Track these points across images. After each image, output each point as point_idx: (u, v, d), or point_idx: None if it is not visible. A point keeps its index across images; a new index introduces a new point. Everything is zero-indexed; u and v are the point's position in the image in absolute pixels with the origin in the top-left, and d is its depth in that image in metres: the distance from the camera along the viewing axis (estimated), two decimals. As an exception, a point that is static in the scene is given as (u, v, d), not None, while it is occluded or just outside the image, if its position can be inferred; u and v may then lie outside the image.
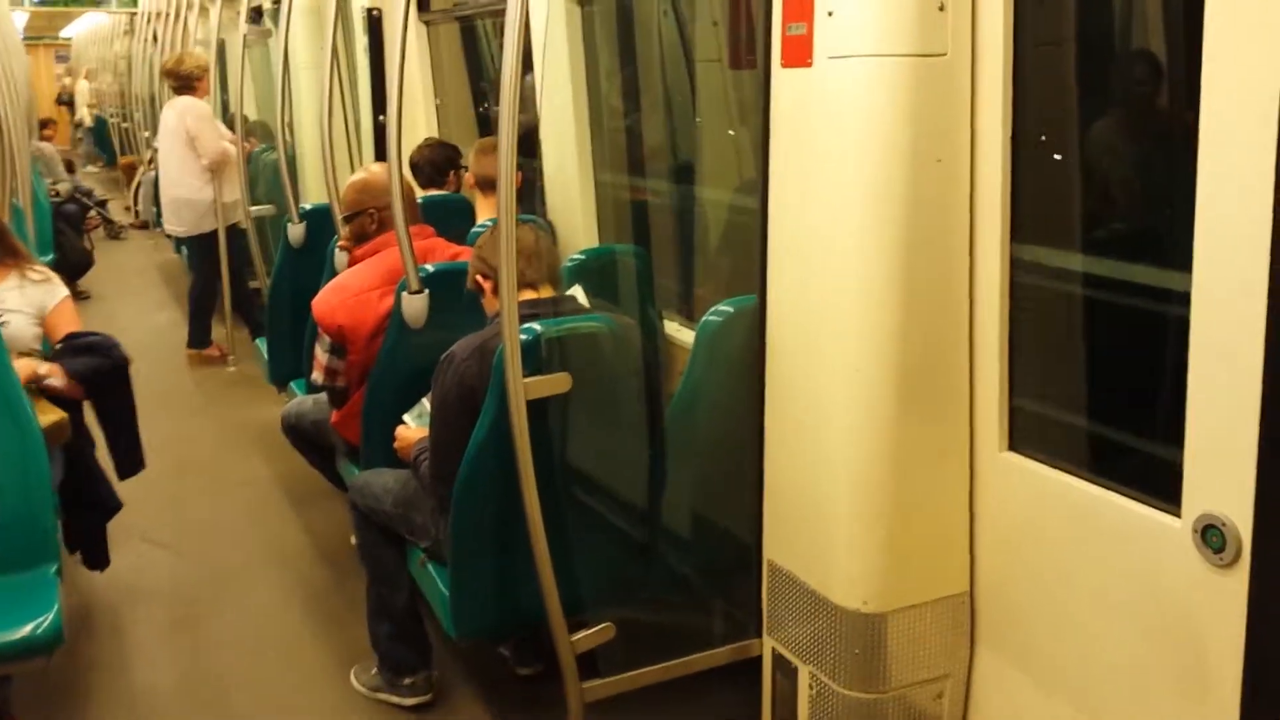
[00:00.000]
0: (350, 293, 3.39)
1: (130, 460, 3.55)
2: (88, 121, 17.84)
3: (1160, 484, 2.00)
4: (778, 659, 2.61)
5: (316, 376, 3.43)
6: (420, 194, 4.24)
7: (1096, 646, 2.14)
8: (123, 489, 3.52)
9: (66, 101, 20.37)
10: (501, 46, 5.27)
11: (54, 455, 3.01)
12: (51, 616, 2.60)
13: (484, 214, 3.99)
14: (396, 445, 3.04)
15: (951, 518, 2.38)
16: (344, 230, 3.72)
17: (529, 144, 3.89)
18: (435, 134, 5.24)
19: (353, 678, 3.21)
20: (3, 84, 5.68)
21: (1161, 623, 1.98)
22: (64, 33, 22.33)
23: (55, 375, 3.17)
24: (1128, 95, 2.38)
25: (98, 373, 3.26)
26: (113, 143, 14.11)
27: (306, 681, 3.29)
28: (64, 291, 3.49)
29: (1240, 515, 1.79)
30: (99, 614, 3.66)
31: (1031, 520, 2.27)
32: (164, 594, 3.82)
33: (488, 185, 3.94)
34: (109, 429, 3.45)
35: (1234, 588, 1.81)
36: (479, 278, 2.83)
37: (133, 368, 3.46)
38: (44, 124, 12.63)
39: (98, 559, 3.40)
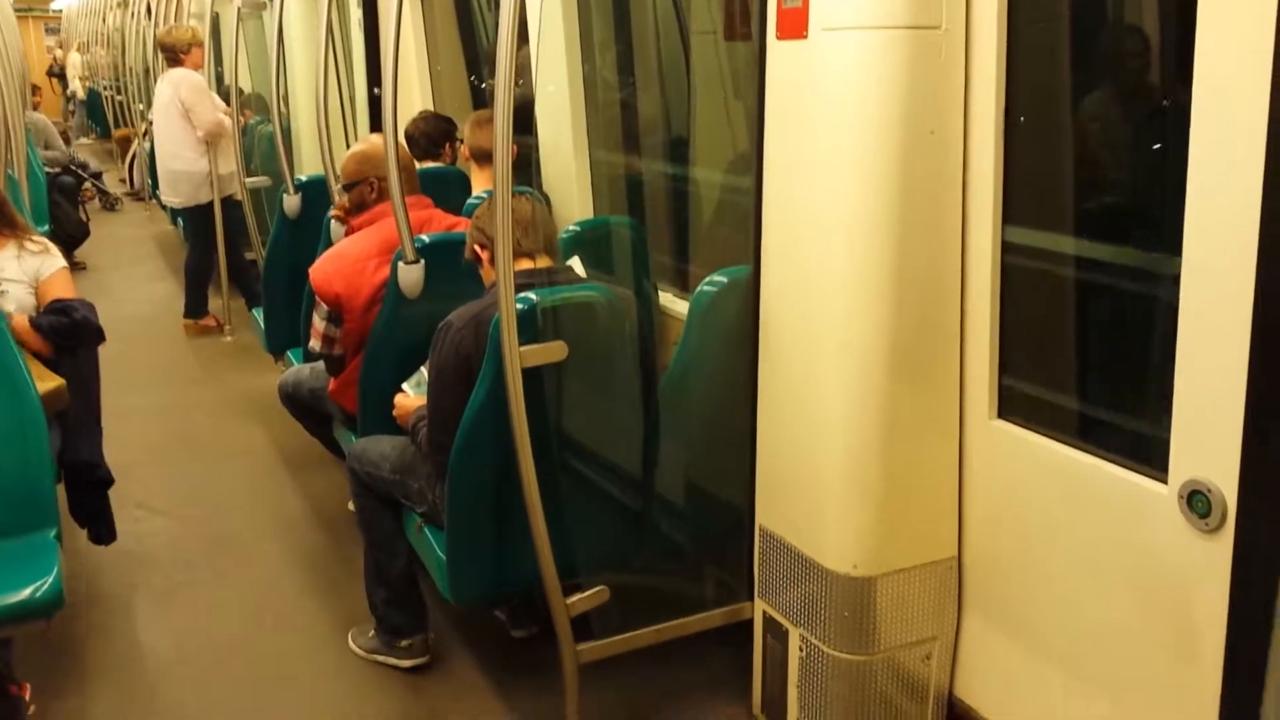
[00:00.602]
0: (347, 261, 3.41)
1: (85, 444, 3.34)
2: (80, 94, 17.72)
3: (1147, 451, 2.04)
4: (769, 622, 2.66)
5: (314, 344, 3.45)
6: (416, 167, 4.25)
7: (1083, 610, 2.18)
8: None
9: (57, 74, 20.21)
10: (496, 18, 5.29)
11: (51, 422, 3.03)
12: (51, 579, 2.63)
13: (479, 186, 4.00)
14: (395, 413, 3.07)
15: (941, 484, 2.42)
16: (341, 199, 3.73)
17: (523, 118, 3.89)
18: (430, 106, 5.25)
19: (350, 640, 3.25)
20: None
21: (1147, 587, 2.02)
22: (54, 5, 22.16)
23: (19, 324, 3.18)
24: (1120, 69, 2.39)
25: (55, 329, 3.25)
26: (106, 115, 14.04)
27: (305, 645, 3.33)
28: (61, 262, 3.50)
29: (1225, 481, 1.82)
30: (98, 580, 3.69)
31: (1020, 487, 2.30)
32: (163, 560, 3.85)
33: (483, 157, 3.94)
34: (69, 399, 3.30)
35: (1219, 552, 1.85)
36: (476, 247, 2.84)
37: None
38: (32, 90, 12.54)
39: (103, 533, 3.42)
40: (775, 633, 2.63)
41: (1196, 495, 1.88)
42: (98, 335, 3.39)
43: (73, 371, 3.29)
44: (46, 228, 6.71)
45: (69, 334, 3.28)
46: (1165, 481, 1.95)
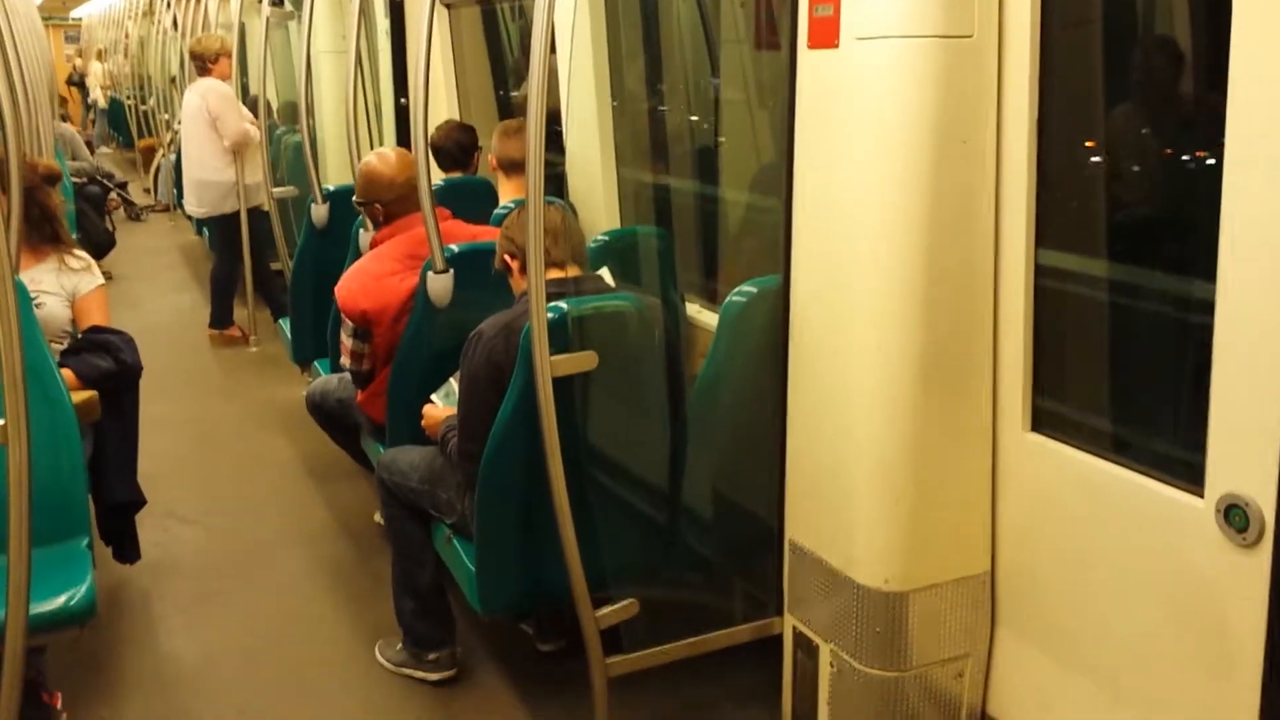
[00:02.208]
0: (371, 277, 3.44)
1: (121, 486, 3.36)
2: (101, 103, 17.86)
3: (1183, 464, 2.02)
4: (799, 637, 2.64)
5: (345, 361, 3.47)
6: (442, 176, 4.26)
7: (1118, 626, 2.15)
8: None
9: (77, 82, 20.36)
10: (520, 30, 5.30)
11: (85, 432, 3.05)
12: (84, 588, 2.64)
13: (506, 196, 4.01)
14: (424, 423, 3.07)
15: (974, 498, 2.40)
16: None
17: (551, 129, 3.90)
18: (457, 116, 5.27)
19: (377, 653, 3.25)
20: (25, 65, 5.72)
21: (1184, 602, 2.00)
22: (74, 13, 22.39)
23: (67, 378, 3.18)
24: (1153, 80, 2.38)
25: (102, 377, 3.25)
26: (129, 124, 14.14)
27: (331, 656, 3.33)
28: (99, 280, 3.53)
29: (1264, 495, 1.80)
30: (128, 588, 3.71)
31: (1054, 501, 2.28)
32: (191, 569, 3.87)
33: (510, 167, 3.95)
34: (105, 443, 3.33)
35: (1257, 567, 1.83)
36: (506, 257, 2.85)
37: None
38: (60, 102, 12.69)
39: (127, 553, 3.44)
40: (805, 648, 2.61)
41: (1234, 509, 1.86)
42: (138, 373, 3.42)
43: (115, 415, 3.32)
44: (75, 237, 6.75)
45: (113, 379, 3.29)
46: (1202, 495, 1.93)
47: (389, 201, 3.58)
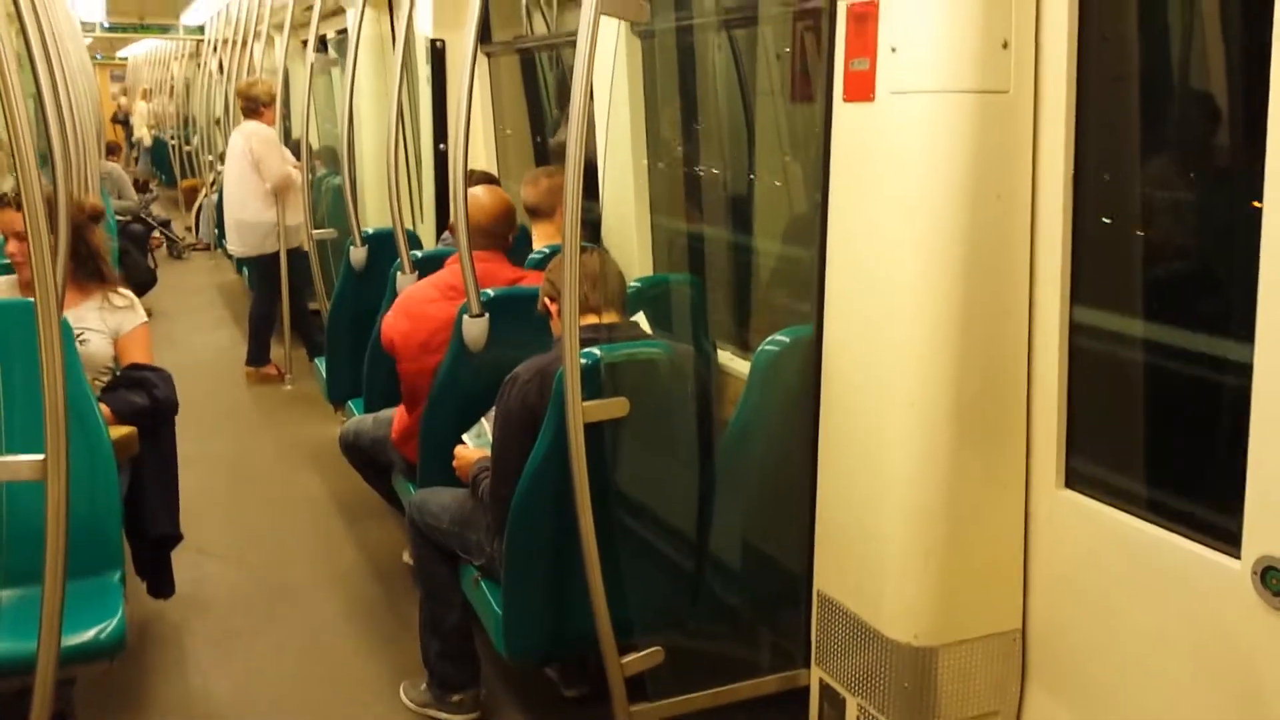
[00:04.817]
0: (414, 301, 3.58)
1: (163, 516, 3.42)
2: (146, 142, 18.21)
3: (1219, 525, 1.99)
4: (825, 690, 2.61)
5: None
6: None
7: (1151, 688, 2.12)
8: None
9: (122, 120, 20.79)
10: (557, 79, 5.36)
11: (122, 466, 3.08)
12: (115, 622, 2.66)
13: (539, 241, 4.05)
14: (455, 464, 3.09)
15: (1005, 554, 2.38)
16: None
17: (587, 181, 3.94)
18: (494, 163, 5.34)
19: (402, 693, 3.25)
20: (75, 105, 5.85)
21: (1219, 665, 1.96)
22: (120, 53, 22.94)
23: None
24: (1190, 136, 2.38)
25: (137, 413, 3.30)
26: (172, 164, 14.40)
27: (357, 695, 3.33)
28: (142, 318, 3.60)
29: (1301, 558, 1.78)
30: (158, 622, 3.73)
31: (1087, 559, 2.26)
32: (220, 605, 3.89)
33: (535, 214, 4.00)
34: (144, 476, 3.38)
35: (1294, 630, 1.80)
36: (547, 300, 2.88)
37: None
38: (110, 149, 12.95)
39: (161, 587, 3.47)
40: (832, 701, 2.59)
41: (1270, 571, 1.83)
42: (174, 409, 3.46)
43: (153, 450, 3.36)
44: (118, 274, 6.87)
45: (148, 415, 3.34)
46: (1238, 557, 1.90)
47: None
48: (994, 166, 2.21)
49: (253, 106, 6.51)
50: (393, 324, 3.51)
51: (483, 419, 3.09)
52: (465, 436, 3.12)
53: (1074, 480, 2.29)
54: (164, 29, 18.56)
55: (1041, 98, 2.23)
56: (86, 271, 3.52)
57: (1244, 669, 1.91)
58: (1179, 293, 2.31)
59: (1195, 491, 2.19)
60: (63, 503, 2.02)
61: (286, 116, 7.18)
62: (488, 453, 2.98)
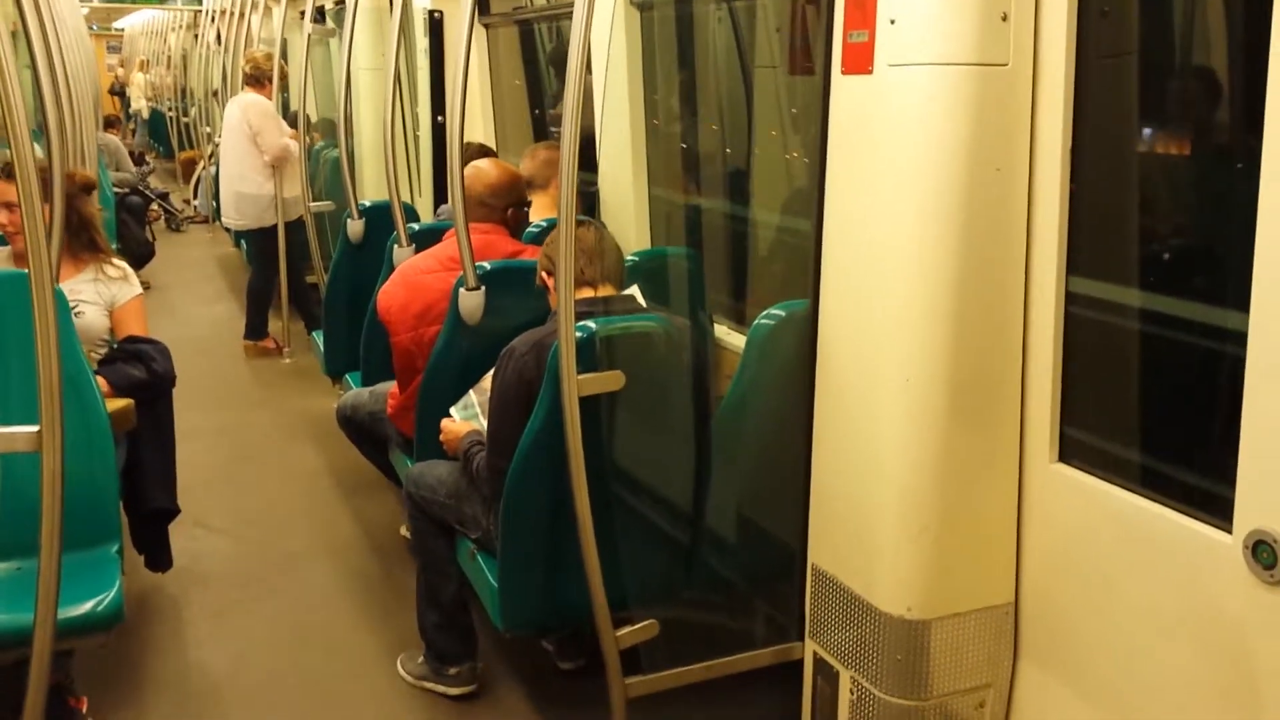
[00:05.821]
0: (412, 270, 3.57)
1: (161, 489, 3.43)
2: (144, 114, 18.11)
3: (1211, 499, 2.00)
4: (819, 663, 2.63)
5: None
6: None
7: (1143, 662, 2.13)
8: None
9: (118, 92, 20.66)
10: (557, 50, 5.33)
11: (119, 439, 3.09)
12: (113, 594, 2.67)
13: (538, 214, 4.03)
14: (443, 438, 3.08)
15: (999, 527, 2.38)
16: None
17: (584, 151, 3.92)
18: (493, 135, 5.32)
19: (399, 666, 3.27)
20: (71, 76, 5.82)
21: (1209, 638, 1.97)
22: (116, 24, 22.80)
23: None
24: (1188, 108, 2.37)
25: (134, 386, 3.30)
26: (169, 135, 14.34)
27: (354, 667, 3.35)
28: (137, 290, 3.58)
29: (1292, 532, 1.78)
30: (155, 596, 3.75)
31: (1080, 533, 2.26)
32: (218, 578, 3.91)
33: (534, 186, 3.98)
34: (141, 449, 3.39)
35: (1285, 605, 1.81)
36: (544, 274, 2.88)
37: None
38: (109, 122, 12.88)
39: (159, 561, 3.48)
40: (825, 674, 2.60)
41: (1261, 546, 1.83)
42: (171, 382, 3.46)
43: (151, 423, 3.36)
44: (115, 246, 6.86)
45: (145, 388, 3.34)
46: (1230, 531, 1.91)
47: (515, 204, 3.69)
48: (992, 139, 2.20)
49: (258, 78, 6.48)
50: (390, 294, 3.50)
51: (470, 392, 3.08)
52: (452, 410, 3.11)
53: (1068, 454, 2.29)
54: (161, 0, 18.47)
55: (1040, 71, 2.21)
56: (80, 243, 3.51)
57: (1235, 642, 1.92)
58: (1174, 267, 2.30)
59: (1188, 465, 2.19)
60: (58, 474, 2.02)
61: (285, 88, 7.15)
62: (475, 426, 2.98)
